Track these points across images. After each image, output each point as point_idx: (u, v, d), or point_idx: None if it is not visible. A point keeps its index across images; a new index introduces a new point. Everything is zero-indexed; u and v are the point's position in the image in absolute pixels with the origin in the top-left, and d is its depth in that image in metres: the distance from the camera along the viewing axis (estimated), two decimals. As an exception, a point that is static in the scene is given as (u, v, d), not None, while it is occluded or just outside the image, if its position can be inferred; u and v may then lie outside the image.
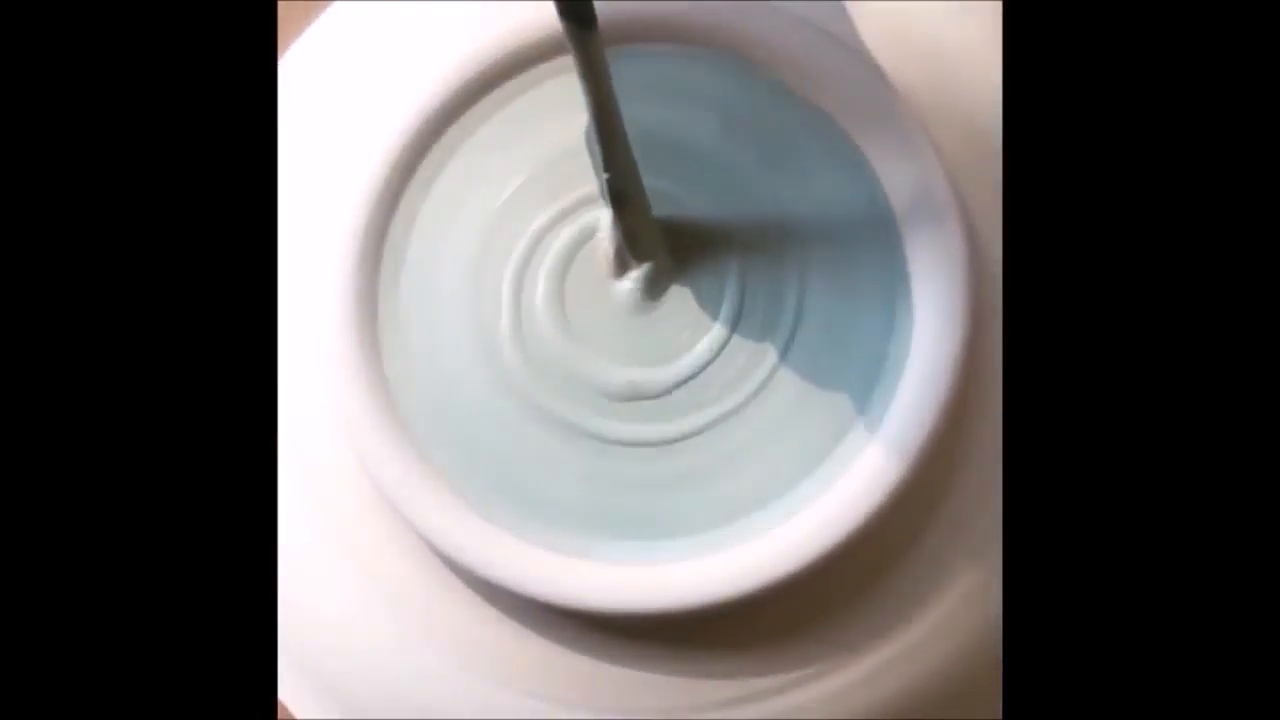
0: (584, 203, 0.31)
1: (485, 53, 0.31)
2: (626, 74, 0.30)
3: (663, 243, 0.30)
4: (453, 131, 0.31)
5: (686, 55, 0.31)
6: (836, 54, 0.31)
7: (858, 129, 0.30)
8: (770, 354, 0.30)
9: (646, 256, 0.30)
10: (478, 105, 0.31)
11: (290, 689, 0.31)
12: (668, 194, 0.31)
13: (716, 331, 0.30)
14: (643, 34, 0.31)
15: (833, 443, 0.29)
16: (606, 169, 0.29)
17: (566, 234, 0.31)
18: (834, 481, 0.28)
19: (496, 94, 0.31)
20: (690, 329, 0.30)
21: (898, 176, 0.30)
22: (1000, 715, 0.30)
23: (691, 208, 0.31)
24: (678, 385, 0.30)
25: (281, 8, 0.34)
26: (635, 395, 0.30)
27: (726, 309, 0.30)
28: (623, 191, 0.29)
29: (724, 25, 0.31)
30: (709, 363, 0.30)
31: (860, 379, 0.29)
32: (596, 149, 0.29)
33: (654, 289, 0.30)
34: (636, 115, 0.29)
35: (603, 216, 0.30)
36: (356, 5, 0.34)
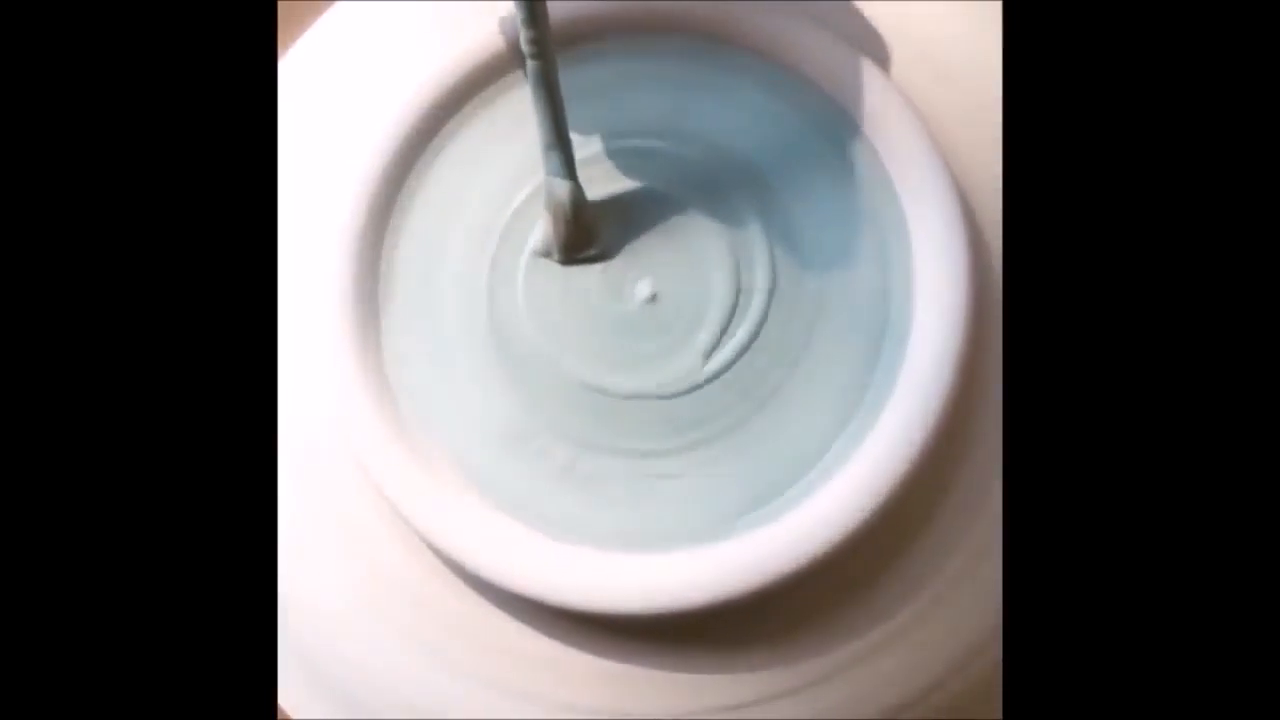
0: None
1: (482, 48, 0.31)
2: (640, 68, 0.31)
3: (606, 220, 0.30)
4: (448, 128, 0.31)
5: (698, 51, 0.31)
6: (845, 53, 0.31)
7: (868, 126, 0.30)
8: (771, 355, 0.30)
9: (583, 234, 0.30)
10: (473, 102, 0.31)
11: (289, 687, 0.31)
12: (678, 187, 0.31)
13: (720, 331, 0.30)
14: (650, 27, 0.31)
15: (833, 441, 0.29)
16: (543, 121, 0.29)
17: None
18: (833, 481, 0.28)
19: (494, 89, 0.31)
20: (693, 329, 0.30)
21: (902, 169, 0.30)
22: (1000, 716, 0.30)
23: (699, 203, 0.31)
24: (680, 385, 0.30)
25: (281, 9, 0.34)
26: (636, 395, 0.30)
27: (730, 310, 0.30)
28: (558, 156, 0.29)
29: (741, 24, 0.31)
30: (718, 369, 0.30)
31: (861, 377, 0.29)
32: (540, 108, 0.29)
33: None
34: (648, 108, 0.29)
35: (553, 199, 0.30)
36: (355, 6, 0.34)
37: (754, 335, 0.30)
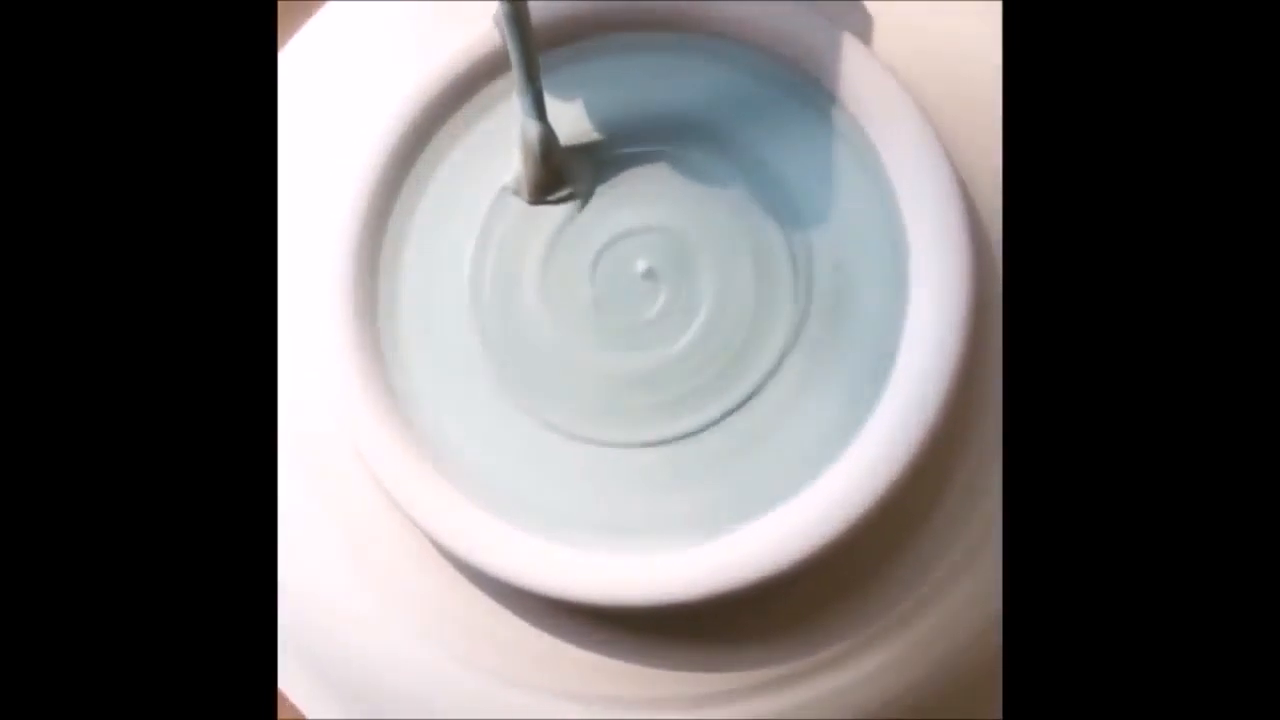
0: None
1: (480, 45, 0.31)
2: (638, 62, 0.31)
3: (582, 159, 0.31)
4: (447, 126, 0.31)
5: (694, 46, 0.31)
6: (845, 50, 0.30)
7: (865, 120, 0.30)
8: (770, 347, 0.29)
9: (554, 174, 0.30)
10: (473, 101, 0.31)
11: (291, 682, 0.31)
12: (659, 143, 0.31)
13: (715, 324, 0.30)
14: (652, 24, 0.31)
15: (832, 437, 0.29)
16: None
17: (550, 225, 0.31)
18: (830, 475, 0.28)
19: (496, 86, 0.31)
20: (688, 324, 0.30)
21: (900, 163, 0.30)
22: (1000, 716, 0.29)
23: (679, 159, 0.31)
24: (678, 382, 0.29)
25: (281, 6, 0.34)
26: (632, 392, 0.30)
27: (726, 302, 0.30)
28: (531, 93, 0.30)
29: (736, 18, 0.31)
30: (709, 360, 0.30)
31: (861, 372, 0.29)
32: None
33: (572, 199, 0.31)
34: (647, 99, 0.30)
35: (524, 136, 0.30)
36: (349, 5, 0.34)
37: (733, 324, 0.30)
